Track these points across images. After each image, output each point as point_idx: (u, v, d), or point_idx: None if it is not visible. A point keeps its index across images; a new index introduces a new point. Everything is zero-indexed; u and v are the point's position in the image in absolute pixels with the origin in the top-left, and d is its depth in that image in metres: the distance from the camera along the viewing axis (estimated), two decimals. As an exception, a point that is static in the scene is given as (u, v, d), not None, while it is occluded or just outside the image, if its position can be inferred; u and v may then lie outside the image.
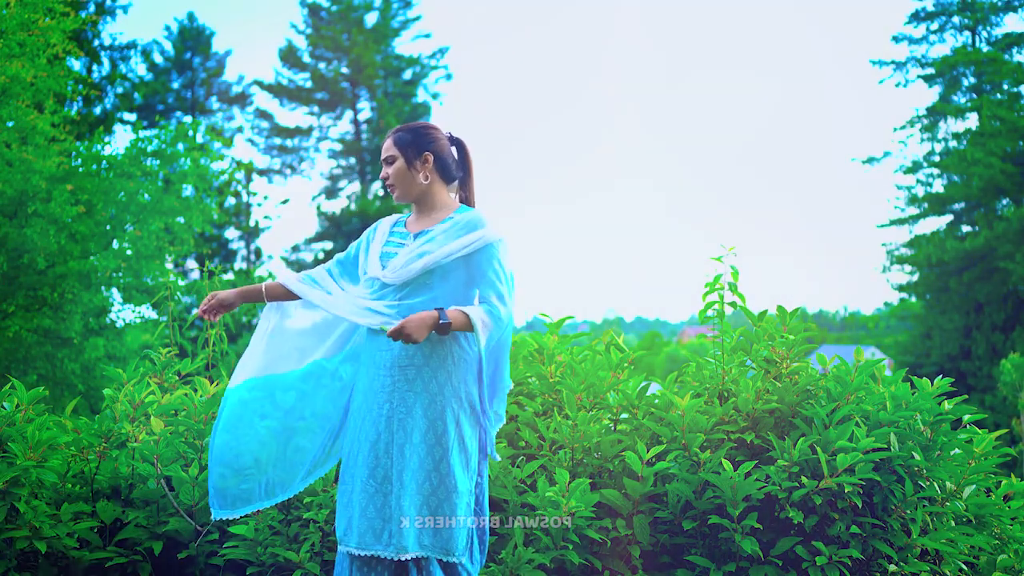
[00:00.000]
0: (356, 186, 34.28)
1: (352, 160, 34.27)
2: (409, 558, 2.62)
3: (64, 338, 11.84)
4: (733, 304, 3.96)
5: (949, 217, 28.49)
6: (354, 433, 2.75)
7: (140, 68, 31.17)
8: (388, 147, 2.84)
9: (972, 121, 28.18)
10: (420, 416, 2.67)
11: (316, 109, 34.16)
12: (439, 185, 2.86)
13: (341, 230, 33.02)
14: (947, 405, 3.56)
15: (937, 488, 3.45)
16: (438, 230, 2.78)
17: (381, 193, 33.71)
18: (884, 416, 3.51)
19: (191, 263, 24.28)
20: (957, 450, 3.60)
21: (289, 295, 2.93)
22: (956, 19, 28.60)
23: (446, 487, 2.67)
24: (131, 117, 27.92)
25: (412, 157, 2.82)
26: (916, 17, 29.07)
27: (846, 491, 3.28)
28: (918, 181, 28.71)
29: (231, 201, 29.28)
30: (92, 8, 22.83)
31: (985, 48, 28.09)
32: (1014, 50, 27.71)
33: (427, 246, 2.75)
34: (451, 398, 2.70)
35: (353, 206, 32.96)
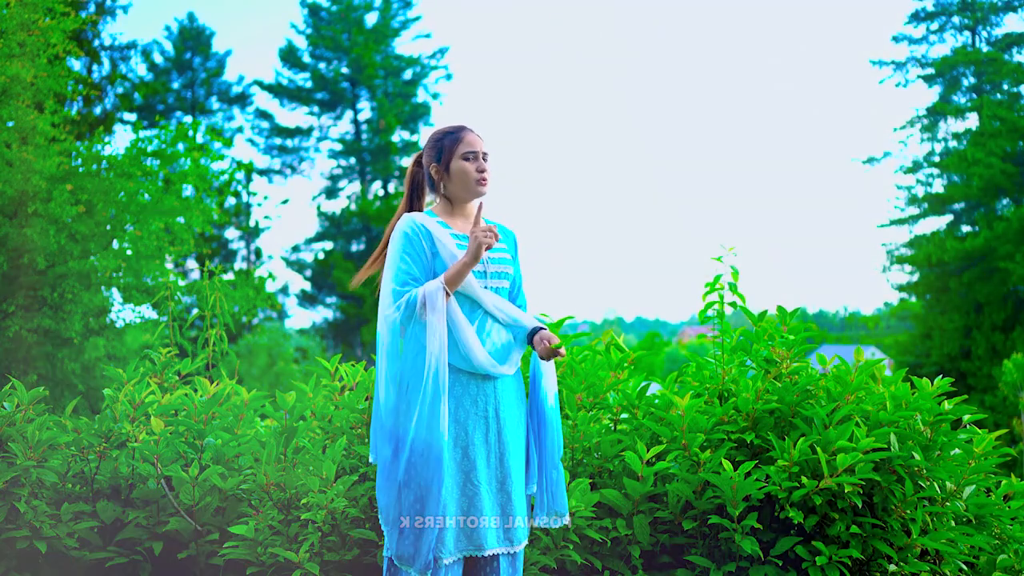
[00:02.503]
0: (356, 186, 34.29)
1: (352, 160, 34.26)
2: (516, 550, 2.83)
3: (64, 338, 11.83)
4: (733, 304, 3.96)
5: (949, 217, 28.49)
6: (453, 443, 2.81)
7: (140, 68, 31.25)
8: (484, 145, 2.95)
9: (972, 121, 28.20)
10: (516, 416, 2.88)
11: (316, 109, 34.17)
12: None
13: (341, 230, 33.03)
14: (947, 405, 3.56)
15: (937, 488, 3.45)
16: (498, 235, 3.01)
17: (381, 193, 33.74)
18: (884, 416, 3.51)
19: (191, 263, 24.29)
20: (957, 450, 3.60)
21: None
22: (956, 19, 28.61)
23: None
24: (131, 117, 27.98)
25: None
26: (916, 17, 29.08)
27: (846, 491, 3.27)
28: (918, 181, 28.73)
29: (231, 201, 29.28)
30: (92, 8, 22.83)
31: (985, 48, 28.10)
32: (1014, 50, 27.71)
33: (504, 253, 2.95)
34: (524, 398, 2.95)
35: (353, 206, 32.97)
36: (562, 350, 2.77)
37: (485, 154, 2.92)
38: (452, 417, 2.76)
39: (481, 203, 2.76)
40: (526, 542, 2.87)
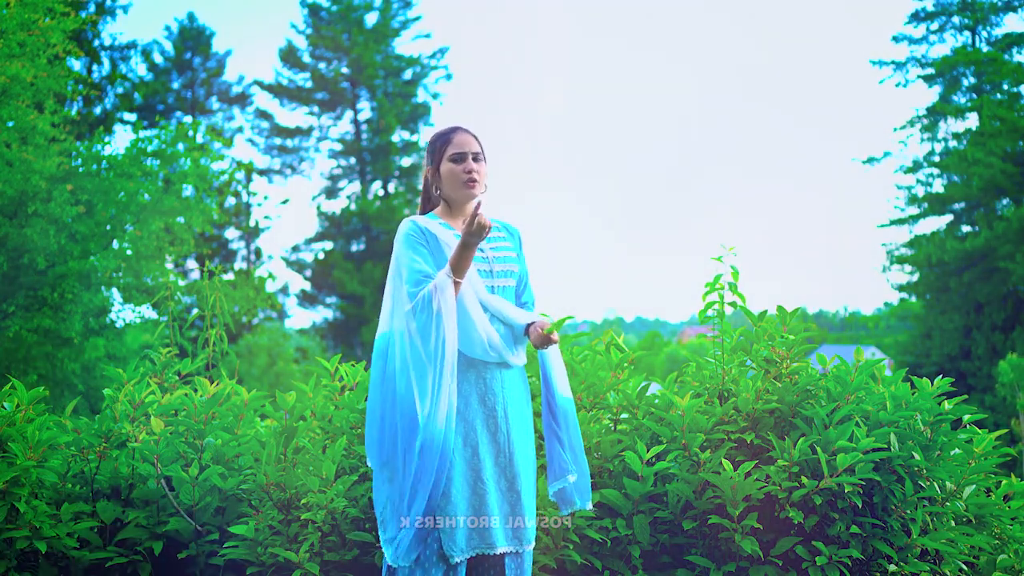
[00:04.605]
0: (356, 186, 34.29)
1: (352, 160, 34.26)
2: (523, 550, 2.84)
3: (64, 338, 11.84)
4: (733, 304, 3.96)
5: (949, 217, 28.50)
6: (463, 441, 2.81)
7: (140, 68, 31.22)
8: (475, 145, 2.91)
9: (972, 121, 28.20)
10: (524, 415, 2.90)
11: (316, 109, 34.17)
12: None
13: (341, 230, 33.04)
14: (947, 405, 3.56)
15: (937, 488, 3.45)
16: (500, 234, 3.00)
17: (381, 193, 33.73)
18: (884, 416, 3.51)
19: (191, 263, 24.31)
20: (957, 450, 3.60)
21: None
22: (956, 19, 28.61)
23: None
24: (131, 117, 27.94)
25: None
26: (916, 17, 29.09)
27: (846, 491, 3.28)
28: (918, 181, 28.73)
29: (231, 201, 29.33)
30: (92, 8, 22.85)
31: (985, 48, 28.11)
32: (1014, 50, 27.72)
33: (508, 251, 2.96)
34: (530, 396, 2.96)
35: (353, 206, 32.97)
36: (554, 334, 2.78)
37: (476, 154, 2.88)
38: (460, 416, 2.76)
39: (479, 202, 2.66)
40: (533, 542, 2.88)
